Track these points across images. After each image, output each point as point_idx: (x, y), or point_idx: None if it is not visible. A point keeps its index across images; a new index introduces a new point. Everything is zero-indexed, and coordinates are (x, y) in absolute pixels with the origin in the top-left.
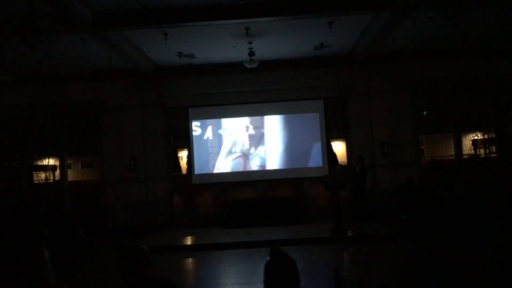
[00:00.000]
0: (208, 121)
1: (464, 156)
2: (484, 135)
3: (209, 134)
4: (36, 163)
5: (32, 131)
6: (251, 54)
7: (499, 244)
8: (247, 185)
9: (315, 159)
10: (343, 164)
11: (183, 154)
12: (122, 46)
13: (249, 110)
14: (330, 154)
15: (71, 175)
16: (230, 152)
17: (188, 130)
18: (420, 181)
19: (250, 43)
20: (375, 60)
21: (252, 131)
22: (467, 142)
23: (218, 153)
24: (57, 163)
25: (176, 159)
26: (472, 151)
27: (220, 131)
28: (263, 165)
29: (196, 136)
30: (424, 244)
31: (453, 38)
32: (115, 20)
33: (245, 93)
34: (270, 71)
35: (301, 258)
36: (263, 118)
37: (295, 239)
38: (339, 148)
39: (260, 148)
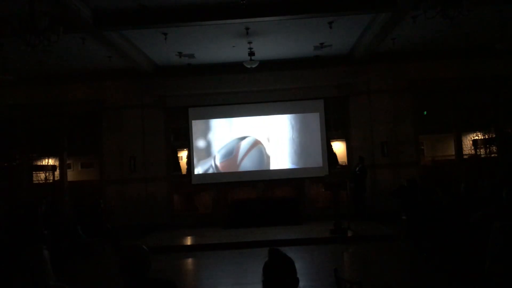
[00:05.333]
0: (207, 121)
1: (465, 156)
2: (484, 135)
3: (208, 133)
4: (36, 163)
5: (32, 131)
6: (251, 54)
7: (499, 243)
8: (247, 185)
9: (315, 159)
10: (343, 164)
11: (183, 154)
12: (122, 46)
13: (249, 110)
14: (330, 154)
15: (71, 175)
16: (230, 152)
17: (188, 130)
18: (420, 182)
19: (250, 43)
20: (375, 60)
21: (252, 131)
22: (468, 142)
23: (217, 153)
24: (57, 163)
25: (176, 159)
26: (473, 151)
27: (219, 131)
28: (263, 164)
29: (195, 135)
30: (424, 243)
31: (453, 38)
32: (115, 20)
33: (245, 93)
34: (270, 71)
35: (301, 258)
36: (263, 118)
37: (295, 239)
38: (339, 148)
39: (260, 148)
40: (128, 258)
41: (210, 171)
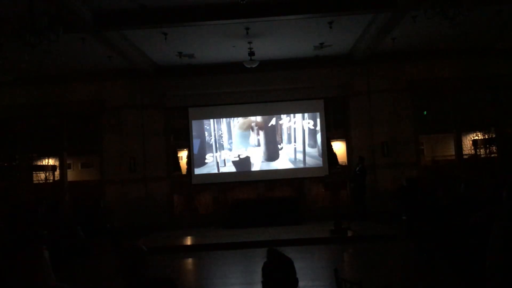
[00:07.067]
0: (207, 121)
1: (465, 156)
2: (484, 135)
3: (208, 133)
4: (36, 163)
5: (32, 131)
6: (251, 54)
7: (499, 244)
8: (247, 185)
9: (315, 159)
10: (343, 164)
11: (183, 154)
12: (122, 46)
13: (249, 110)
14: (330, 154)
15: (71, 175)
16: (230, 152)
17: (188, 130)
18: (420, 182)
19: (250, 43)
20: (375, 60)
21: (252, 131)
22: (468, 142)
23: (217, 153)
24: (57, 163)
25: (176, 159)
26: (473, 151)
27: (220, 131)
28: (263, 164)
29: (195, 135)
30: (424, 244)
31: (453, 38)
32: (115, 20)
33: (245, 93)
34: (270, 71)
35: (301, 258)
36: (263, 118)
37: (295, 239)
38: (339, 148)
39: (260, 148)
40: (126, 258)
41: (214, 170)
